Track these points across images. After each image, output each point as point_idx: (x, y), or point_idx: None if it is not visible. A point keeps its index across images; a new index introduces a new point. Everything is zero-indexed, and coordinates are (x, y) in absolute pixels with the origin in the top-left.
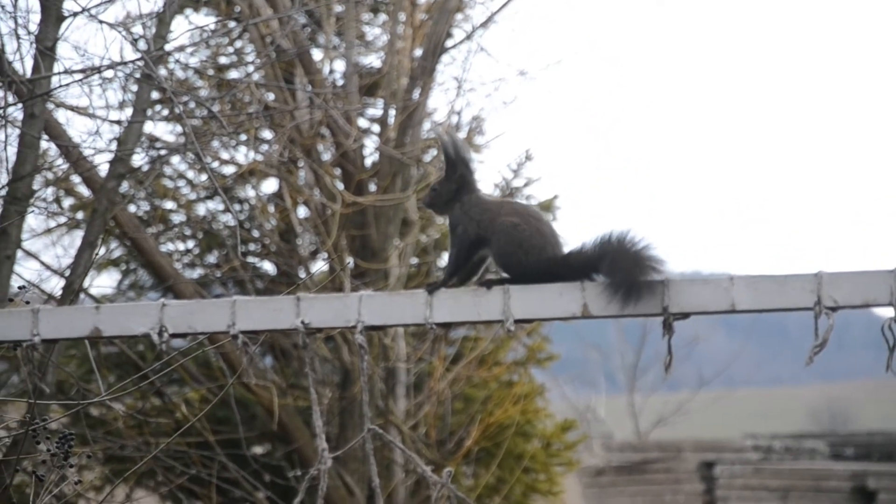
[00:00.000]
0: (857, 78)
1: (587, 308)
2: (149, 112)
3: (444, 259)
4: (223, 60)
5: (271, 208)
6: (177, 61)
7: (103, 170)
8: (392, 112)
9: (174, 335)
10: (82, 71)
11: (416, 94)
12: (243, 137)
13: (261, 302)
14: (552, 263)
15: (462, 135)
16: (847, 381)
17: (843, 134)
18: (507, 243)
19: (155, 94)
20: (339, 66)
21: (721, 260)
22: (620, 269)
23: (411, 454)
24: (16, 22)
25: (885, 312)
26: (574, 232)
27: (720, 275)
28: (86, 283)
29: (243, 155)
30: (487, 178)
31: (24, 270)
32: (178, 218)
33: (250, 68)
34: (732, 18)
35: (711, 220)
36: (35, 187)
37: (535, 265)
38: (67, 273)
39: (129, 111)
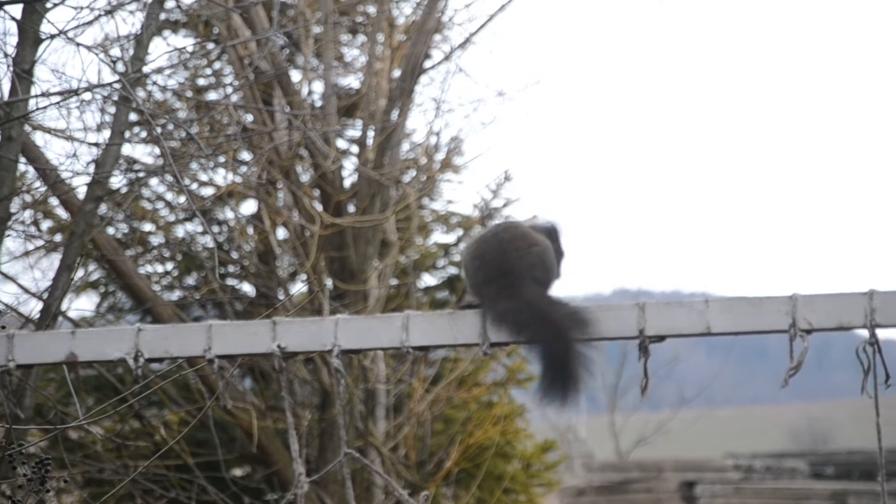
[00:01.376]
0: (841, 98)
1: None
2: (127, 134)
3: (423, 280)
4: (201, 82)
5: (250, 230)
6: (154, 83)
7: (81, 192)
8: (371, 133)
9: (150, 360)
10: (60, 93)
11: (394, 114)
12: (222, 159)
13: (236, 326)
14: (479, 291)
15: (440, 155)
16: (827, 400)
17: (827, 156)
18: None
19: (133, 116)
20: (318, 87)
21: (702, 280)
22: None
23: (387, 478)
24: None
25: (865, 333)
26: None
27: (699, 295)
28: (64, 306)
29: (222, 177)
30: (466, 199)
31: (3, 294)
32: (156, 240)
33: (229, 90)
34: (720, 38)
35: (695, 240)
36: (13, 210)
37: (471, 289)
38: (45, 296)
39: (106, 133)
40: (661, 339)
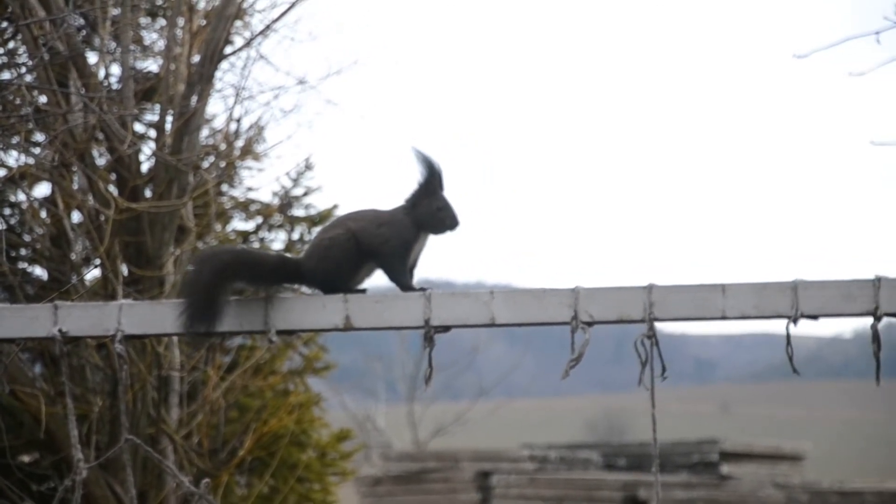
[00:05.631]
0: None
1: (350, 320)
2: None
3: None
4: None
5: (43, 213)
6: None
7: None
8: (169, 118)
9: None
10: None
11: (193, 100)
12: (14, 140)
13: (16, 310)
14: None
15: (240, 142)
16: (625, 392)
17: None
18: None
19: None
20: (115, 70)
21: (507, 272)
22: None
23: (167, 464)
24: None
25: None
26: None
27: (501, 287)
28: None
29: (14, 158)
30: (267, 187)
31: None
32: None
33: (22, 70)
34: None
35: (499, 234)
36: None
37: None
38: None
39: None
40: (446, 329)
